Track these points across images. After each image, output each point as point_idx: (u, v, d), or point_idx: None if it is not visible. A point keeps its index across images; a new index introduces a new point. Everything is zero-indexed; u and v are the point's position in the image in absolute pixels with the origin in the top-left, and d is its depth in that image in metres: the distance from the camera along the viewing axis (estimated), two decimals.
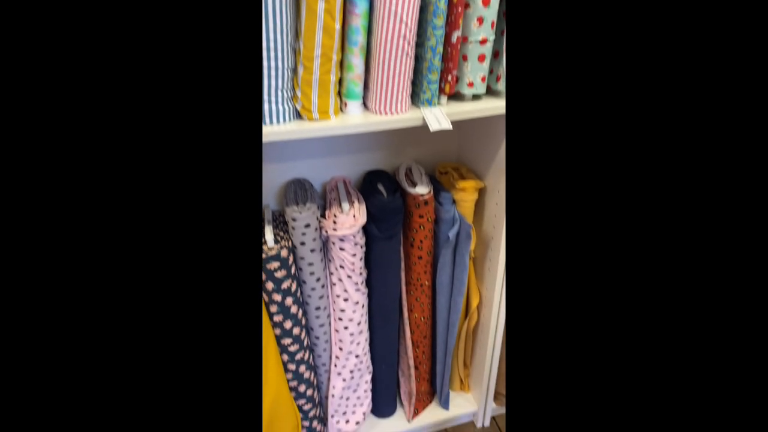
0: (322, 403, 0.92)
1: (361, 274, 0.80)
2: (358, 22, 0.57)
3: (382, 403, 0.98)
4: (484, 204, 0.85)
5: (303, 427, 0.88)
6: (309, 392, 0.86)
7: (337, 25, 0.56)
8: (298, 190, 0.79)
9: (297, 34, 0.57)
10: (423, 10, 0.59)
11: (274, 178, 0.83)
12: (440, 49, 0.60)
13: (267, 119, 0.59)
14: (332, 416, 0.91)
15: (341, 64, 0.61)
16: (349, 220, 0.74)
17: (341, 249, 0.76)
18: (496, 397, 1.01)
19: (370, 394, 0.94)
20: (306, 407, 0.86)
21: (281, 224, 0.78)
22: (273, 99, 0.58)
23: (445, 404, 1.00)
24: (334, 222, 0.74)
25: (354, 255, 0.77)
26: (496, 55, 0.67)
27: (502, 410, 1.06)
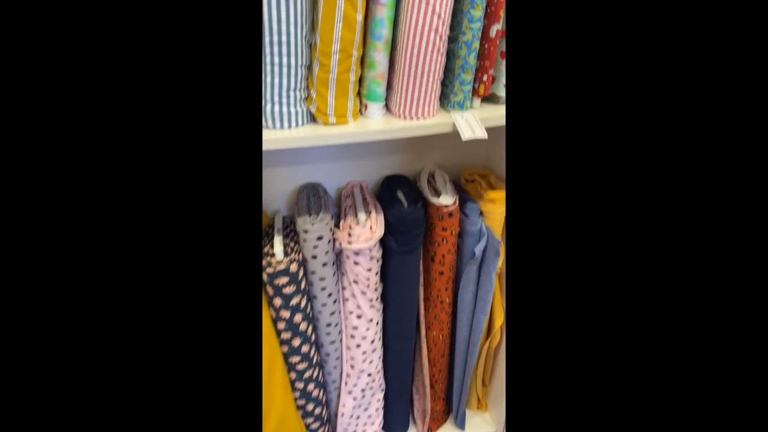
0: (330, 421, 0.87)
1: (376, 289, 0.74)
2: (384, 12, 0.50)
3: (395, 421, 0.92)
4: None
5: None
6: (317, 411, 0.81)
7: (359, 17, 0.48)
8: (311, 197, 0.73)
9: (313, 27, 0.50)
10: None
11: (285, 182, 0.76)
12: (476, 44, 0.53)
13: (278, 123, 0.52)
14: None
15: (362, 61, 0.53)
16: (366, 232, 0.67)
17: (356, 263, 0.70)
18: None
19: (381, 412, 0.89)
20: (314, 426, 0.82)
21: (292, 233, 0.72)
22: (284, 101, 0.51)
23: (460, 424, 0.94)
24: (349, 234, 0.67)
25: (369, 270, 0.71)
26: None
27: None
